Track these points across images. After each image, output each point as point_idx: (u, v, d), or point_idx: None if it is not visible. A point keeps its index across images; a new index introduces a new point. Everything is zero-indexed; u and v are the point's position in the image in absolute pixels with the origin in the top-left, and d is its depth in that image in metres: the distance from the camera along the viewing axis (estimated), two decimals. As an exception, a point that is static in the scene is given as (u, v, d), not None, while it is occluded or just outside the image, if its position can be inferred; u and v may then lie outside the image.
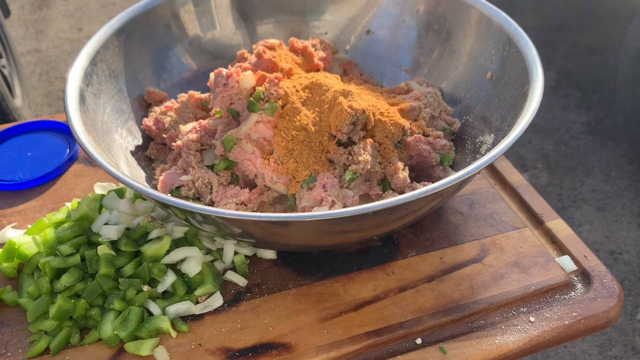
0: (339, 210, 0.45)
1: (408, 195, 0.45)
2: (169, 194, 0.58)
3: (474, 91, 0.64)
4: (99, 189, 0.65)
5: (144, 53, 0.68)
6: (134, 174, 0.60)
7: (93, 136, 0.54)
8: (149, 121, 0.65)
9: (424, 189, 0.45)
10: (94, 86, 0.61)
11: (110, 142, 0.59)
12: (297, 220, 0.46)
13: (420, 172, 0.61)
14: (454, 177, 0.46)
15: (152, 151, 0.65)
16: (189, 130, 0.61)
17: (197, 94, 0.66)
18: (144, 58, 0.68)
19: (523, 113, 0.51)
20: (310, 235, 0.50)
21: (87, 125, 0.55)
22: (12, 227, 0.62)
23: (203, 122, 0.61)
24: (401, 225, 0.54)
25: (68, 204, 0.64)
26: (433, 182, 0.57)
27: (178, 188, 0.59)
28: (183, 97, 0.66)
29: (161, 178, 0.59)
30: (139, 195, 0.62)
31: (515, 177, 0.67)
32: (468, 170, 0.47)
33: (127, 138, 0.63)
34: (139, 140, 0.65)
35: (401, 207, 0.46)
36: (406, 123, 0.58)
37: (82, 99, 0.57)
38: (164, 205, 0.49)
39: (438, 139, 0.60)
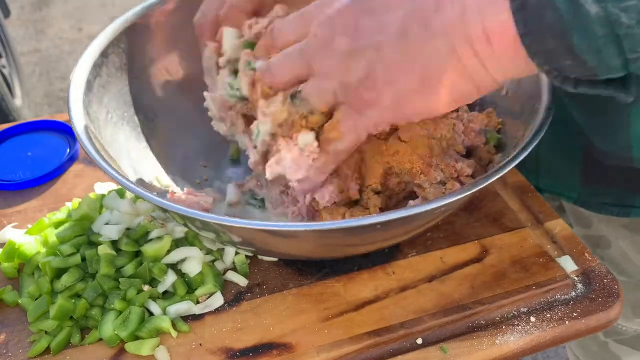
0: (345, 221, 0.44)
1: (425, 203, 0.44)
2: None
3: (488, 106, 0.62)
4: (100, 188, 0.65)
5: (158, 47, 0.67)
6: (137, 170, 0.59)
7: (92, 129, 0.54)
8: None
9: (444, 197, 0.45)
10: (103, 77, 0.60)
11: (114, 137, 0.59)
12: (301, 230, 0.45)
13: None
14: (471, 184, 0.46)
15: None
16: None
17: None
18: (159, 52, 0.67)
19: (532, 129, 0.50)
20: (313, 247, 0.50)
21: (90, 117, 0.55)
22: (13, 227, 0.62)
23: None
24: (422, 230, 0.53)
25: (68, 204, 0.64)
26: (481, 164, 0.55)
27: None
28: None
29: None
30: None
31: (515, 177, 0.67)
32: (486, 176, 0.47)
33: (132, 133, 0.62)
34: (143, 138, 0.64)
35: (415, 217, 0.45)
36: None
37: (88, 89, 0.57)
38: (163, 210, 0.48)
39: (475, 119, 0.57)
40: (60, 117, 0.78)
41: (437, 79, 0.41)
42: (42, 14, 2.76)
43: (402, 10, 0.41)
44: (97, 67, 0.60)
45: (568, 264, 0.57)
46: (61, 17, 2.73)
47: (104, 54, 0.61)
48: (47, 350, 0.52)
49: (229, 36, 0.53)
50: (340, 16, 0.44)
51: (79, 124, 0.53)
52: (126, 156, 0.59)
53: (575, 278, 0.57)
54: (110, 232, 0.57)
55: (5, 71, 1.97)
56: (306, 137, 0.47)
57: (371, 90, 0.43)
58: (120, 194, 0.62)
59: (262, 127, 0.49)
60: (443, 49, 0.40)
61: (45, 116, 0.80)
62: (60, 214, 0.62)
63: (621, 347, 0.79)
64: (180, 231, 0.59)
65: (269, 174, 0.50)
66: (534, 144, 0.48)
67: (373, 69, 0.42)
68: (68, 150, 0.73)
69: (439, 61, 0.40)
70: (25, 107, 2.02)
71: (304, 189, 0.51)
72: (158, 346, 0.51)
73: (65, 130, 0.76)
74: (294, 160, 0.48)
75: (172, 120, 0.67)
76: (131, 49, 0.64)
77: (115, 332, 0.52)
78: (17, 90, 2.01)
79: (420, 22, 0.40)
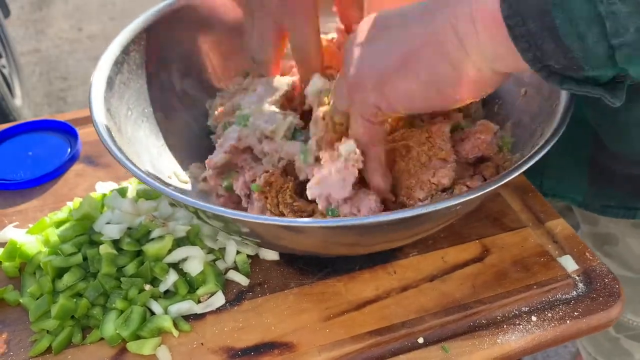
0: (352, 219, 0.44)
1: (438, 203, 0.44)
2: None
3: (506, 107, 0.61)
4: (101, 188, 0.65)
5: (178, 45, 0.67)
6: (156, 166, 0.59)
7: (113, 124, 0.54)
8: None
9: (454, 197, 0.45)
10: (124, 74, 0.60)
11: (134, 134, 0.59)
12: (308, 226, 0.45)
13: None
14: (490, 182, 0.46)
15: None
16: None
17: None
18: (179, 50, 0.67)
19: (549, 129, 0.50)
20: (318, 243, 0.50)
21: (110, 114, 0.55)
22: (14, 226, 0.62)
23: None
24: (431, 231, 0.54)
25: (69, 204, 0.64)
26: (499, 171, 0.55)
27: None
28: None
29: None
30: (141, 194, 0.62)
31: (516, 177, 0.67)
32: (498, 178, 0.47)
33: (152, 129, 0.62)
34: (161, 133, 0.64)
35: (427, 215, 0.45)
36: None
37: (109, 86, 0.57)
38: (173, 205, 0.48)
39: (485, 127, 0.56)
40: (61, 117, 0.78)
41: (416, 59, 0.41)
42: (42, 14, 2.76)
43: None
44: (119, 64, 0.60)
45: (569, 264, 0.57)
46: (61, 17, 2.73)
47: (125, 51, 0.61)
48: (48, 350, 0.52)
49: (318, 83, 0.56)
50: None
51: (100, 121, 0.53)
52: (146, 152, 0.59)
53: (576, 277, 0.57)
54: (112, 231, 0.57)
55: (5, 71, 1.97)
56: (348, 145, 0.48)
57: (359, 75, 0.45)
58: (122, 193, 0.62)
59: (310, 146, 0.52)
60: (426, 30, 0.41)
61: (45, 116, 0.80)
62: (62, 214, 0.62)
63: (633, 343, 0.79)
64: (181, 230, 0.59)
65: (311, 196, 0.50)
66: (548, 148, 0.48)
67: (364, 59, 0.45)
68: (69, 149, 0.73)
69: (420, 41, 0.41)
70: (25, 107, 2.02)
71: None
72: (159, 346, 0.51)
73: (66, 130, 0.76)
74: (339, 173, 0.49)
75: (190, 116, 0.67)
76: (152, 46, 0.64)
77: (117, 331, 0.52)
78: (17, 90, 2.01)
79: (417, 17, 0.43)
